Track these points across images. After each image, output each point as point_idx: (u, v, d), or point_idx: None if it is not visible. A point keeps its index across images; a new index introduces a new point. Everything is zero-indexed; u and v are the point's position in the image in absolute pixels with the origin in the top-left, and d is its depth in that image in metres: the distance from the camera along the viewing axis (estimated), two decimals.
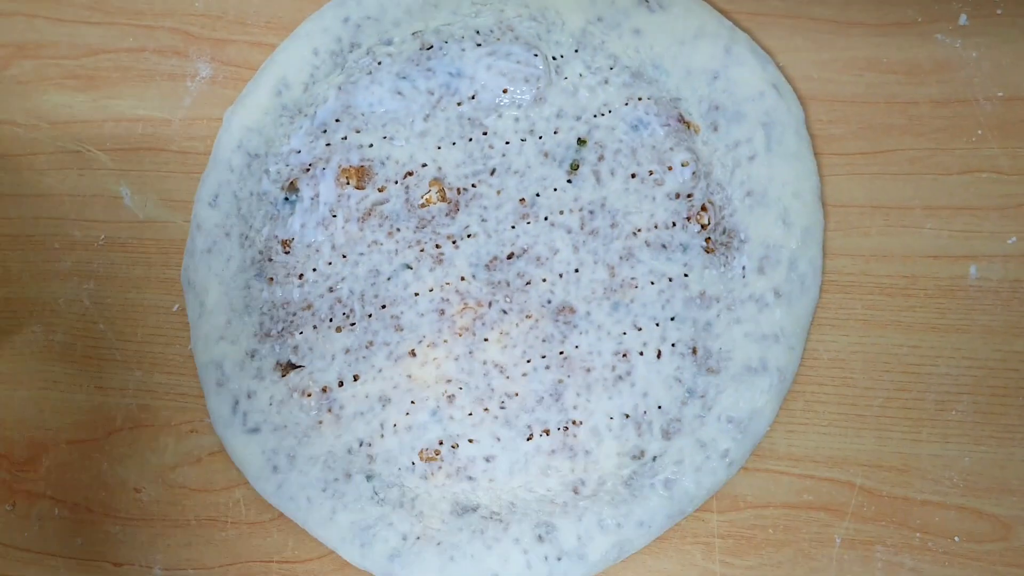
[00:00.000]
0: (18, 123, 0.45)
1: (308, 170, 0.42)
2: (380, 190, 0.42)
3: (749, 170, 0.40)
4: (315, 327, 0.41)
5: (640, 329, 0.40)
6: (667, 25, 0.42)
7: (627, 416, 0.40)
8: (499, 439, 0.40)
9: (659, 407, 0.40)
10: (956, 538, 0.39)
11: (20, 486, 0.44)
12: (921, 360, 0.40)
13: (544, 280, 0.41)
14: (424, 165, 0.42)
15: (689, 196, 0.41)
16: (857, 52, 0.41)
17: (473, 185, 0.42)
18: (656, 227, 0.41)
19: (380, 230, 0.42)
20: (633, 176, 0.41)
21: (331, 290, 0.42)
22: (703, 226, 0.41)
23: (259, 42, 0.44)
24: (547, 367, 0.40)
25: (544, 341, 0.41)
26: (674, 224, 0.41)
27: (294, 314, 0.41)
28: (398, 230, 0.42)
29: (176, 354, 0.44)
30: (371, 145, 0.42)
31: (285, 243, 0.42)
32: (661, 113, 0.42)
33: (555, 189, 0.42)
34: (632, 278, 0.41)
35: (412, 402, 0.41)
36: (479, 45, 0.42)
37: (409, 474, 0.40)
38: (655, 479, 0.39)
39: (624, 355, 0.40)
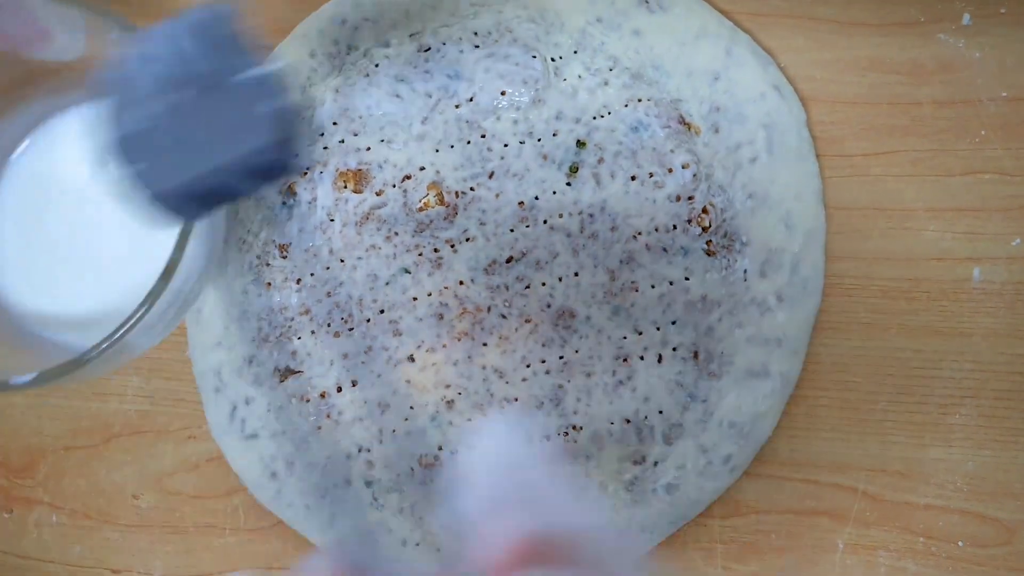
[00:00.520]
0: None
1: (305, 174, 0.42)
2: (378, 194, 0.42)
3: (751, 172, 0.40)
4: (313, 332, 0.41)
5: (641, 333, 0.40)
6: (667, 26, 0.41)
7: (628, 421, 0.40)
8: None
9: (660, 412, 0.40)
10: (960, 543, 0.39)
11: (18, 493, 0.44)
12: (924, 364, 0.40)
13: (544, 284, 0.41)
14: (422, 168, 0.42)
15: (690, 199, 0.41)
16: (859, 52, 0.41)
17: (472, 188, 0.42)
18: (657, 230, 0.41)
19: (378, 234, 0.41)
20: (633, 179, 0.41)
21: (329, 295, 0.41)
22: (704, 229, 0.40)
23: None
24: (547, 372, 0.40)
25: (544, 346, 0.40)
26: (675, 227, 0.41)
27: (292, 319, 0.41)
28: (396, 234, 0.41)
29: (174, 360, 0.43)
30: (369, 148, 0.42)
31: (282, 248, 0.42)
32: (661, 115, 0.41)
33: (554, 192, 0.41)
34: (633, 282, 0.40)
35: (411, 407, 0.40)
36: (477, 47, 0.42)
37: (409, 480, 0.40)
38: (657, 484, 0.39)
39: (625, 360, 0.40)
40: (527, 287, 0.41)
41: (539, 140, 0.42)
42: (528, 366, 0.40)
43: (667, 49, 0.41)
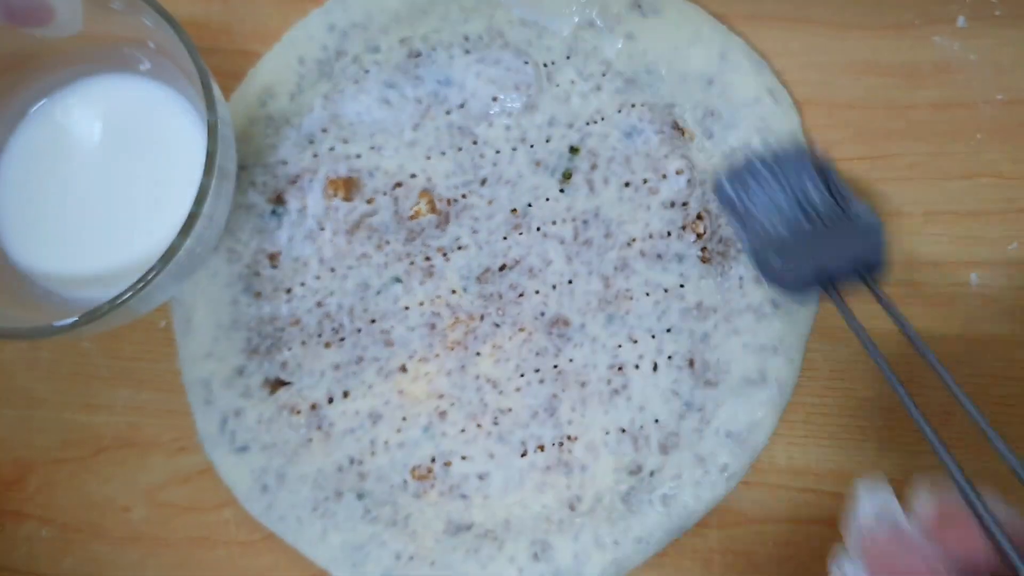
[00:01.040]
0: None
1: (295, 182, 0.41)
2: (369, 202, 0.41)
3: None
4: (303, 343, 0.40)
5: (636, 341, 0.40)
6: (661, 30, 0.41)
7: (623, 431, 0.39)
8: (493, 456, 0.39)
9: (656, 421, 0.39)
10: None
11: (7, 506, 0.44)
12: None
13: (537, 292, 0.40)
14: (413, 176, 0.41)
15: (684, 205, 0.40)
16: (854, 55, 0.41)
17: (463, 196, 0.41)
18: (651, 237, 0.40)
19: (369, 243, 0.41)
20: (627, 185, 0.41)
21: (319, 305, 0.41)
22: (699, 235, 0.40)
23: (244, 50, 0.43)
24: (541, 381, 0.40)
25: (538, 355, 0.40)
26: (669, 234, 0.40)
27: (282, 330, 0.41)
28: (387, 243, 0.41)
29: (164, 371, 0.43)
30: (359, 156, 0.41)
31: (272, 257, 0.41)
32: (655, 120, 0.41)
33: (547, 199, 0.41)
34: (627, 289, 0.40)
35: (403, 418, 0.40)
36: (468, 52, 0.42)
37: (401, 492, 0.39)
38: (653, 495, 0.38)
39: (620, 368, 0.39)
40: (520, 295, 0.40)
41: (532, 146, 0.41)
42: (522, 375, 0.40)
43: (661, 54, 0.41)
